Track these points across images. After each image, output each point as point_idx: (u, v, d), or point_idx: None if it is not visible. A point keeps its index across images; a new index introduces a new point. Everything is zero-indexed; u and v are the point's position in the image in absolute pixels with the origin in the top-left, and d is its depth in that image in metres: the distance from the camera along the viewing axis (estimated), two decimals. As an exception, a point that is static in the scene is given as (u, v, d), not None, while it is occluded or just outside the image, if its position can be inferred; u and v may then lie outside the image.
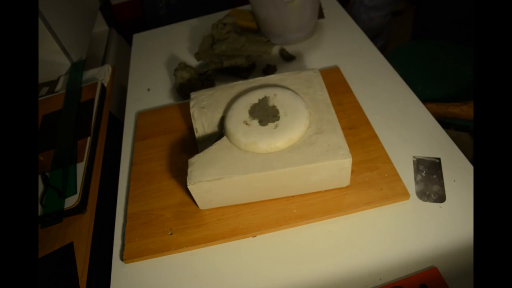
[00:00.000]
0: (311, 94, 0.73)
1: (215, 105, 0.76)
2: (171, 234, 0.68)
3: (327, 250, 0.63)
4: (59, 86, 1.12)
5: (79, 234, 0.74)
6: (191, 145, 0.82)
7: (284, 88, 0.73)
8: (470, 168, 0.69)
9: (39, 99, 1.07)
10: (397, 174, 0.68)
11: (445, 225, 0.62)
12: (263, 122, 0.67)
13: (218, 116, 0.74)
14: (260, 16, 1.05)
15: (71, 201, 0.76)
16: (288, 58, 1.04)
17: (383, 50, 1.88)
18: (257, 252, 0.65)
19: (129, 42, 1.43)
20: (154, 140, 0.87)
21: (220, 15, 1.27)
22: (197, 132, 0.74)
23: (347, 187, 0.68)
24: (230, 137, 0.68)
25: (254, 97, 0.72)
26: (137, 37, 1.32)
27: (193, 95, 0.79)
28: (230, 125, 0.69)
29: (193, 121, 0.75)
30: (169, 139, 0.86)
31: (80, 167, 0.83)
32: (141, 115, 0.95)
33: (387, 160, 0.71)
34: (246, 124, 0.67)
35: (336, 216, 0.66)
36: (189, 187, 0.64)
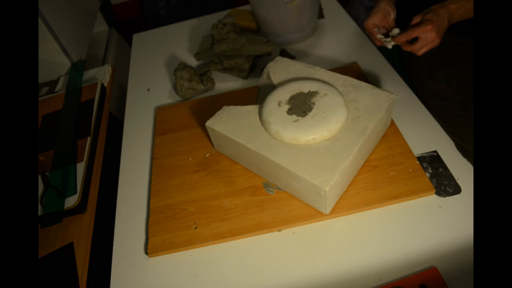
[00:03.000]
0: (363, 113, 0.68)
1: (283, 75, 0.79)
2: (196, 228, 0.69)
3: (327, 250, 0.63)
4: (59, 86, 1.12)
5: (79, 234, 0.74)
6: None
7: (339, 94, 0.70)
8: (463, 159, 0.70)
9: (39, 99, 1.07)
10: (421, 169, 0.68)
11: (445, 225, 0.62)
12: (291, 111, 0.69)
13: (274, 83, 0.79)
14: (260, 16, 1.05)
15: (71, 201, 0.76)
16: (288, 58, 1.04)
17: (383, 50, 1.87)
18: (257, 252, 0.65)
19: (129, 42, 1.43)
20: (175, 134, 0.88)
21: (220, 15, 1.27)
22: (260, 82, 0.83)
23: (372, 183, 0.68)
24: (261, 107, 0.72)
25: (306, 86, 0.73)
26: (137, 37, 1.32)
27: (276, 60, 0.84)
28: (267, 97, 0.73)
29: (263, 74, 0.81)
30: (189, 134, 0.87)
31: (80, 167, 0.83)
32: (160, 110, 0.96)
33: (410, 155, 0.71)
34: (278, 105, 0.70)
35: (362, 210, 0.66)
36: (206, 125, 0.74)
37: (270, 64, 0.83)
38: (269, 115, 0.69)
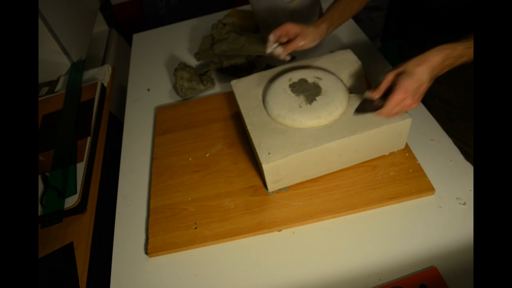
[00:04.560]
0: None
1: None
2: (196, 228, 0.69)
3: (327, 250, 0.63)
4: (59, 86, 1.12)
5: (79, 234, 0.74)
6: (212, 140, 0.83)
7: (329, 73, 0.74)
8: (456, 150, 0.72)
9: (39, 99, 1.07)
10: (422, 170, 0.68)
11: (445, 225, 0.62)
12: (305, 100, 0.69)
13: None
14: (260, 17, 1.05)
15: (71, 201, 0.76)
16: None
17: (383, 50, 1.87)
18: (257, 252, 0.65)
19: (129, 42, 1.43)
20: (175, 134, 0.88)
21: (220, 15, 1.27)
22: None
23: (372, 183, 0.68)
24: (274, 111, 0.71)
25: (299, 75, 0.74)
26: (137, 37, 1.32)
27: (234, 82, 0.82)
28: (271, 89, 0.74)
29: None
30: (189, 134, 0.87)
31: (80, 167, 0.83)
32: (160, 110, 0.96)
33: (410, 155, 0.71)
34: (295, 95, 0.71)
35: (362, 210, 0.66)
36: (263, 166, 0.64)
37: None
38: (297, 114, 0.68)
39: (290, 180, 0.69)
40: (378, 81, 0.69)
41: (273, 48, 0.75)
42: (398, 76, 0.59)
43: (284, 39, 0.74)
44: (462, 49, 0.58)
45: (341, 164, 0.70)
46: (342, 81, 0.72)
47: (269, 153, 0.64)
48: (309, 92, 0.71)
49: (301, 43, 0.72)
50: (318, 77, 0.72)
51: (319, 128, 0.66)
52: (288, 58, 0.76)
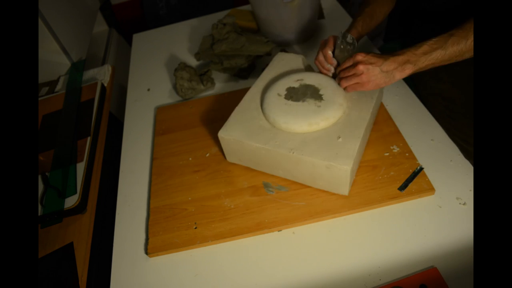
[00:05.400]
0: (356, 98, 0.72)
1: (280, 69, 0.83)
2: (196, 228, 0.69)
3: (327, 250, 0.63)
4: (59, 86, 1.12)
5: (79, 234, 0.74)
6: (212, 140, 0.83)
7: (334, 82, 0.74)
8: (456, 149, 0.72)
9: (39, 99, 1.07)
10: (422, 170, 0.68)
11: (445, 225, 0.62)
12: (298, 102, 0.71)
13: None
14: (260, 17, 1.05)
15: (71, 201, 0.76)
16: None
17: (382, 49, 1.87)
18: (257, 252, 0.65)
19: (129, 42, 1.43)
20: (175, 134, 0.88)
21: (220, 15, 1.27)
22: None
23: (372, 183, 0.68)
24: (264, 104, 0.74)
25: (305, 79, 0.75)
26: (137, 37, 1.32)
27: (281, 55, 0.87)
28: (267, 95, 0.75)
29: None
30: (189, 134, 0.87)
31: (80, 167, 0.83)
32: (160, 110, 0.96)
33: (410, 155, 0.71)
34: (281, 96, 0.73)
35: (362, 210, 0.66)
36: (219, 135, 0.72)
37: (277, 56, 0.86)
38: (275, 112, 0.71)
39: (242, 161, 0.74)
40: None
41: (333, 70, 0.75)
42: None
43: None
44: (425, 47, 0.62)
45: (290, 176, 0.71)
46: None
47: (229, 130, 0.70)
48: (305, 96, 0.72)
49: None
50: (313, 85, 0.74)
51: (295, 133, 0.68)
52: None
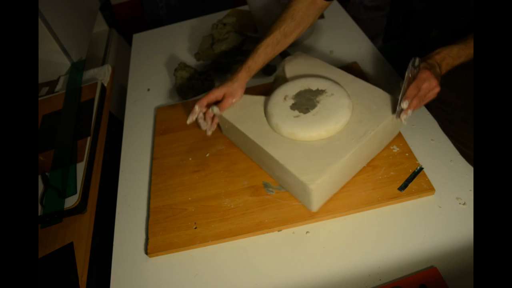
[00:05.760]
0: (367, 118, 0.67)
1: (297, 70, 0.81)
2: (196, 228, 0.69)
3: (327, 250, 0.63)
4: (59, 86, 1.12)
5: (79, 234, 0.74)
6: (212, 140, 0.83)
7: (346, 95, 0.70)
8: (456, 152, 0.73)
9: (39, 99, 1.07)
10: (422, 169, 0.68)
11: (445, 225, 0.62)
12: (294, 106, 0.70)
13: (287, 76, 0.80)
14: (257, 17, 1.05)
15: (71, 201, 0.76)
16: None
17: (383, 50, 1.87)
18: (257, 252, 0.65)
19: (129, 42, 1.43)
20: (175, 135, 0.88)
21: (220, 15, 1.27)
22: (276, 74, 0.84)
23: (372, 183, 0.68)
24: (267, 99, 0.74)
25: (315, 84, 0.73)
26: (137, 37, 1.32)
27: (295, 54, 0.86)
28: (275, 90, 0.74)
29: (280, 67, 0.83)
30: (189, 134, 0.87)
31: (80, 167, 0.83)
32: (160, 110, 0.96)
33: (410, 155, 0.71)
34: (284, 99, 0.71)
35: (362, 210, 0.66)
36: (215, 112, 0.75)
37: (288, 58, 0.84)
38: (273, 107, 0.71)
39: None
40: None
41: (196, 116, 0.75)
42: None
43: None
44: (457, 50, 0.64)
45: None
46: (349, 97, 0.71)
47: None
48: (304, 104, 0.70)
49: (233, 101, 0.76)
50: (324, 91, 0.72)
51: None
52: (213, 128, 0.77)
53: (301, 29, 0.78)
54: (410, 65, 0.64)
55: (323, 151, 0.63)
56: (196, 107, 0.74)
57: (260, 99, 0.76)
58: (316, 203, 0.64)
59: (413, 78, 0.63)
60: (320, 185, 0.60)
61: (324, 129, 0.65)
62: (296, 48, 1.07)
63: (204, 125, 0.76)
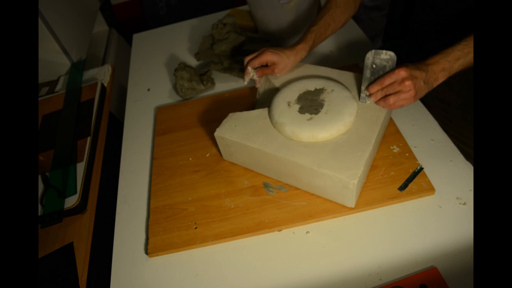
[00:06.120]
0: (370, 104, 0.69)
1: (284, 76, 0.80)
2: (196, 228, 0.69)
3: (327, 250, 0.63)
4: (59, 86, 1.12)
5: (79, 234, 0.74)
6: (212, 140, 0.83)
7: (345, 88, 0.72)
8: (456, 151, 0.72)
9: (39, 99, 1.07)
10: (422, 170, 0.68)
11: (445, 225, 0.62)
12: (302, 110, 0.69)
13: (276, 86, 0.79)
14: (257, 17, 1.05)
15: (71, 201, 0.76)
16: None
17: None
18: (257, 252, 0.65)
19: (129, 42, 1.43)
20: (175, 135, 0.88)
21: (220, 15, 1.27)
22: (258, 94, 0.82)
23: (372, 183, 0.68)
24: (270, 110, 0.72)
25: (312, 84, 0.73)
26: (137, 37, 1.32)
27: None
28: (274, 99, 0.73)
29: (262, 80, 0.81)
30: (189, 134, 0.87)
31: (80, 167, 0.83)
32: (160, 110, 0.96)
33: (410, 155, 0.71)
34: (288, 105, 0.70)
35: (362, 210, 0.66)
36: (215, 134, 0.72)
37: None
38: (281, 116, 0.69)
39: (239, 160, 0.74)
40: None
41: (250, 76, 0.77)
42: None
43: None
44: (455, 52, 0.62)
45: (293, 181, 0.70)
46: (347, 89, 0.72)
47: (233, 126, 0.70)
48: (311, 105, 0.70)
49: (277, 72, 0.77)
50: (323, 88, 0.72)
51: (298, 142, 0.66)
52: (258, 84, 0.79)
53: (346, 16, 0.81)
54: (371, 57, 0.66)
55: (348, 145, 0.64)
56: (249, 68, 0.76)
57: (261, 112, 0.73)
58: (356, 197, 0.64)
59: (383, 70, 0.66)
60: (359, 179, 0.60)
61: (341, 123, 0.66)
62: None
63: (258, 82, 0.79)
